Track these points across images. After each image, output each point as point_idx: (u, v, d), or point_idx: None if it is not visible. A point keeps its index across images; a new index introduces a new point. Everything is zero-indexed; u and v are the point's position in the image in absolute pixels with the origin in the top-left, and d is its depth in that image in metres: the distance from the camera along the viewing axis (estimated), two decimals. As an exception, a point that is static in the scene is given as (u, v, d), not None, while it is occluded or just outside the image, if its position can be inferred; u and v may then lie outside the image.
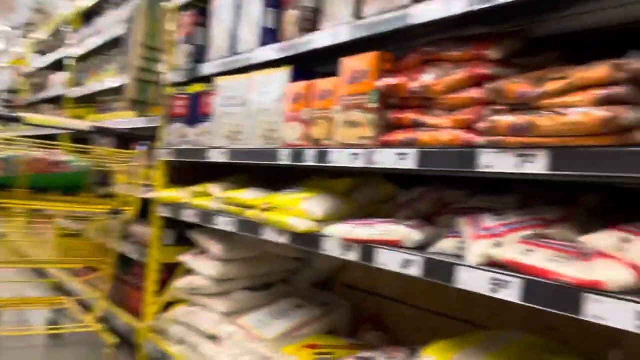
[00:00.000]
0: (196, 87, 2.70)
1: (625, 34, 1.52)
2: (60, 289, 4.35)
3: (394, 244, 1.60)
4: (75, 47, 4.79)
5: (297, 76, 2.10)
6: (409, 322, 2.45)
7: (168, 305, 2.95)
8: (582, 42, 1.57)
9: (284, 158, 2.01)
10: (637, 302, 1.02)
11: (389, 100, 1.66)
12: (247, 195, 2.25)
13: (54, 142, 3.09)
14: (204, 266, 2.60)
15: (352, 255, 1.69)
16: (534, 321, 1.91)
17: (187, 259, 2.73)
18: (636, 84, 1.09)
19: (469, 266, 1.35)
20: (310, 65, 2.22)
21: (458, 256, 1.47)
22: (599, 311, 1.07)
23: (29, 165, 2.47)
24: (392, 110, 1.65)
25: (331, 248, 1.77)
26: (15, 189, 2.52)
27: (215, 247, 2.56)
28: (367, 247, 1.64)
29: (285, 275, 2.84)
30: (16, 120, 2.37)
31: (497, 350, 1.59)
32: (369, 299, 2.65)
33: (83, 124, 2.59)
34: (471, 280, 1.34)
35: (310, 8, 2.06)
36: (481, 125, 1.33)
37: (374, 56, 1.68)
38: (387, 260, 1.57)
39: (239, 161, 2.29)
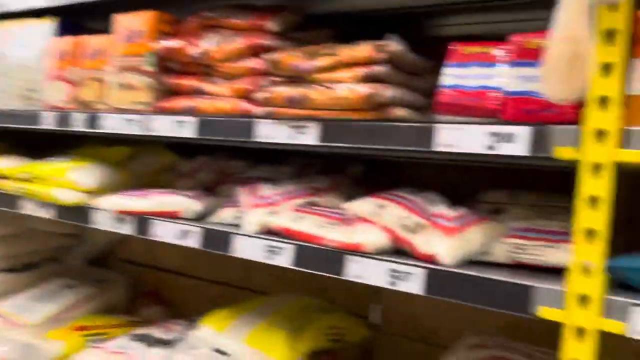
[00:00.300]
0: None
1: (391, 18, 1.67)
2: None
3: (172, 216, 1.55)
4: None
5: (64, 30, 1.87)
6: (190, 293, 2.42)
7: None
8: (354, 22, 1.68)
9: (48, 122, 1.78)
10: (391, 262, 1.15)
11: (168, 64, 1.58)
12: (1, 164, 1.95)
13: None
14: (-54, 247, 2.20)
15: (127, 229, 1.59)
16: (309, 283, 2.04)
17: None
18: (393, 64, 1.20)
19: (245, 235, 1.37)
20: (80, 20, 1.99)
21: (236, 225, 1.47)
22: (359, 271, 1.18)
23: None
24: (171, 75, 1.57)
25: (103, 221, 1.64)
26: None
27: (-39, 225, 2.19)
28: (143, 220, 1.56)
29: (54, 254, 2.56)
30: None
31: (273, 314, 1.66)
32: (148, 273, 2.55)
33: None
34: (247, 248, 1.36)
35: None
36: (259, 95, 1.34)
37: (152, 16, 1.57)
38: (164, 233, 1.51)
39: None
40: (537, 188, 1.38)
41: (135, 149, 1.97)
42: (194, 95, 1.52)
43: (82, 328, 1.97)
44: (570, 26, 0.83)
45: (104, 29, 1.71)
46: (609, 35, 0.94)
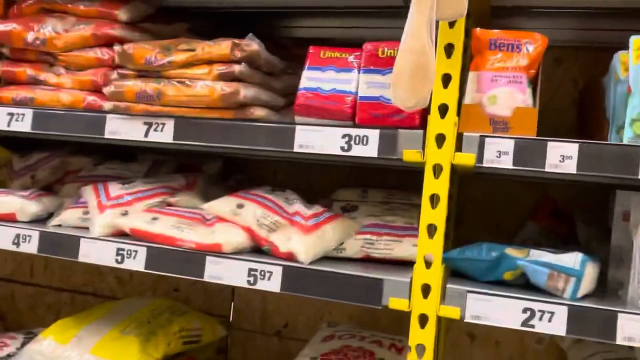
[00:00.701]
0: None
1: (245, 16, 1.67)
2: None
3: (6, 218, 1.39)
4: None
5: None
6: (26, 303, 2.20)
7: None
8: (207, 18, 1.65)
9: None
10: (250, 261, 1.15)
11: (0, 50, 1.41)
12: None
13: None
14: None
15: (-53, 234, 1.39)
16: (162, 285, 1.97)
17: None
18: (251, 63, 1.20)
19: (94, 238, 1.28)
20: None
21: (84, 228, 1.37)
22: (218, 272, 1.17)
23: None
24: (4, 62, 1.41)
25: None
26: None
27: None
28: (-31, 223, 1.38)
29: None
30: None
31: (124, 320, 1.57)
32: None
33: None
34: (96, 252, 1.27)
35: None
36: (108, 89, 1.25)
37: (-22, -7, 1.39)
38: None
39: None
40: (387, 185, 1.48)
41: (-44, 143, 1.73)
42: (31, 85, 1.38)
43: None
44: (415, 38, 0.90)
45: None
46: (449, 49, 1.04)
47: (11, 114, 1.33)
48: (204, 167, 1.73)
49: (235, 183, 1.71)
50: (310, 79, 1.16)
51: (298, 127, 1.12)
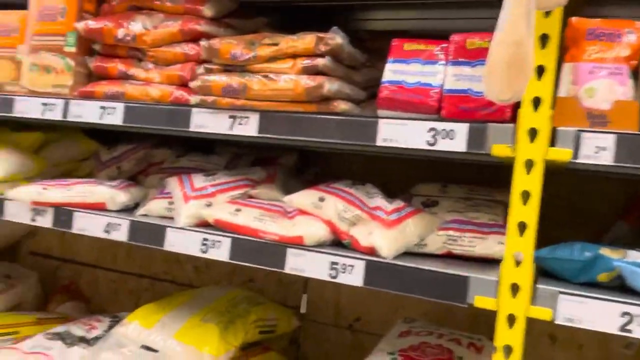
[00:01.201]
0: None
1: (324, 9, 1.67)
2: None
3: (96, 207, 1.46)
4: None
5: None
6: (109, 287, 2.31)
7: None
8: (286, 12, 1.66)
9: (-50, 104, 1.62)
10: (332, 254, 1.15)
11: (92, 46, 1.48)
12: None
13: None
14: None
15: (44, 221, 1.48)
16: (238, 275, 2.01)
17: None
18: (336, 57, 1.20)
19: (179, 228, 1.32)
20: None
21: (169, 218, 1.42)
22: (300, 264, 1.18)
23: None
24: (96, 58, 1.47)
25: (17, 213, 1.52)
26: None
27: None
28: (63, 212, 1.46)
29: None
30: None
31: (203, 308, 1.62)
32: (63, 267, 2.40)
33: None
34: (181, 242, 1.31)
35: None
36: (195, 84, 1.29)
37: (74, -7, 1.46)
38: (88, 225, 1.42)
39: None
40: (468, 180, 1.44)
41: (50, 135, 1.84)
42: (121, 80, 1.44)
43: (-12, 327, 1.82)
44: (513, 29, 0.86)
45: (19, 4, 1.57)
46: (543, 40, 1.00)
47: (103, 108, 1.40)
48: (280, 159, 1.75)
49: (312, 176, 1.72)
50: (395, 72, 1.15)
51: (382, 121, 1.11)
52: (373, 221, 1.20)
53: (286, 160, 1.74)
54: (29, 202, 1.47)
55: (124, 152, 1.82)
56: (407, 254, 1.21)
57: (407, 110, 1.13)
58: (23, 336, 1.75)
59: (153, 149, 1.83)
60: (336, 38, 1.17)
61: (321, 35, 1.18)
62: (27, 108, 1.50)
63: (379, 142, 1.11)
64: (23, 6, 1.57)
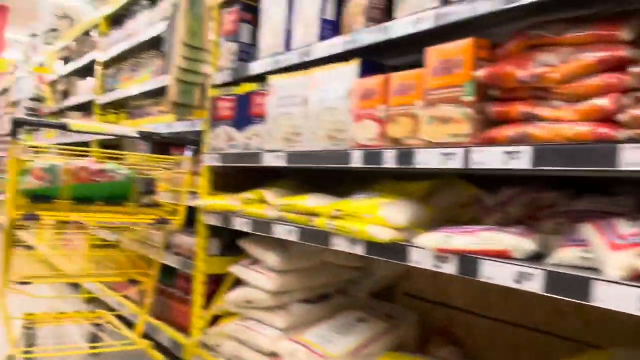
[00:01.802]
0: (245, 88, 2.53)
1: None
2: (95, 302, 4.22)
3: (500, 255, 1.42)
4: (103, 52, 4.66)
5: (365, 70, 1.92)
6: (484, 335, 2.26)
7: (215, 319, 2.79)
8: None
9: (357, 160, 1.83)
10: None
11: (489, 92, 1.48)
12: (311, 202, 2.07)
13: (87, 150, 2.95)
14: (259, 278, 2.42)
15: (448, 268, 1.51)
16: (645, 336, 1.72)
17: (238, 270, 2.56)
18: None
19: (611, 281, 1.16)
20: (378, 59, 2.04)
21: (586, 269, 1.28)
22: None
23: (73, 175, 2.32)
24: (494, 103, 1.46)
25: (421, 260, 1.59)
26: (58, 200, 2.37)
27: (271, 258, 2.39)
28: (468, 259, 1.46)
29: (342, 286, 2.66)
30: (63, 127, 2.22)
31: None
32: (436, 310, 2.46)
33: (129, 130, 2.44)
34: (614, 297, 1.15)
35: (381, -4, 1.89)
36: (622, 117, 1.13)
37: (470, 43, 1.50)
38: (495, 274, 1.38)
39: (297, 165, 2.12)
40: None
41: (435, 183, 1.92)
42: (524, 122, 1.38)
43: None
44: None
45: (400, 66, 1.70)
46: None
47: (508, 153, 1.36)
48: None
49: None
50: None
51: None
52: None
53: None
54: (434, 249, 1.52)
55: (509, 197, 1.77)
56: None
57: None
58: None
59: (540, 192, 1.73)
60: None
61: None
62: (427, 159, 1.58)
63: None
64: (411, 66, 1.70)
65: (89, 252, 3.53)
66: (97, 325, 3.28)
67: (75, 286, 4.66)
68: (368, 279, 2.65)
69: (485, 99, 1.48)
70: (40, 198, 2.33)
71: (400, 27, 1.73)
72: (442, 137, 1.55)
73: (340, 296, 2.62)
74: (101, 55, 4.63)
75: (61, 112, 5.89)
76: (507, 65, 1.41)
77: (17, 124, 2.17)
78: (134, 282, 3.54)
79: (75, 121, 2.51)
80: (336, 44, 2.02)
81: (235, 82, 2.65)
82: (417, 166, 1.61)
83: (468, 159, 1.46)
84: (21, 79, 7.71)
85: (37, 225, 3.06)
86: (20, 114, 7.18)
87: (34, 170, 2.34)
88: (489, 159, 1.41)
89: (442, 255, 1.52)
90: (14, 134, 2.17)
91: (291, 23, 2.29)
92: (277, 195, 2.34)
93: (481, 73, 1.44)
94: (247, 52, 2.65)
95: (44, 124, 2.82)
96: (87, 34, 5.24)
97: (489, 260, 1.41)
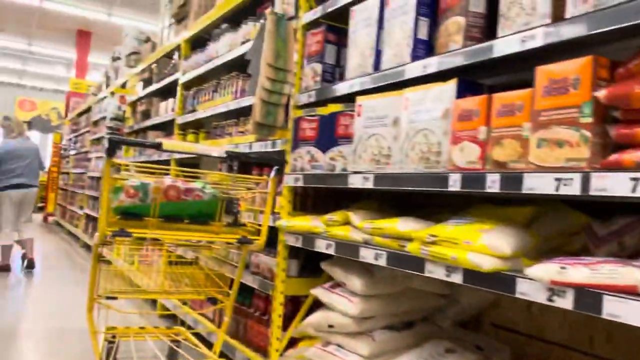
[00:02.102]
0: (330, 108, 2.51)
1: None
2: (171, 319, 4.29)
3: (625, 290, 1.30)
4: (184, 73, 4.81)
5: (462, 91, 1.85)
6: (587, 374, 2.10)
7: (292, 341, 2.75)
8: None
9: (454, 184, 1.75)
10: None
11: (609, 113, 1.38)
12: (403, 226, 2.00)
13: (167, 167, 3.02)
14: (341, 302, 2.37)
15: (563, 303, 1.39)
16: None
17: (321, 293, 2.51)
18: None
19: None
20: (475, 78, 1.96)
21: None
22: None
23: (163, 193, 2.36)
24: (616, 125, 1.36)
25: (530, 292, 1.48)
26: (147, 217, 2.42)
27: (355, 282, 2.33)
28: (587, 293, 1.34)
29: (427, 313, 2.56)
30: (157, 146, 2.27)
31: None
32: (530, 344, 2.32)
33: (217, 150, 2.47)
34: None
35: (481, 14, 1.82)
36: None
37: (587, 61, 1.40)
38: (625, 312, 1.26)
39: (386, 187, 2.06)
40: None
41: (539, 209, 1.81)
42: (654, 146, 1.27)
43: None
44: None
45: (500, 85, 1.62)
46: None
47: (635, 179, 1.25)
48: None
49: None
50: None
51: None
52: None
53: None
54: (547, 281, 1.41)
55: (623, 226, 1.64)
56: None
57: None
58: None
59: (660, 222, 1.59)
60: None
61: None
62: (538, 184, 1.48)
63: None
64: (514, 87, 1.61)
65: (166, 269, 3.59)
66: (175, 341, 3.31)
67: (153, 302, 4.77)
68: (453, 307, 2.53)
69: (605, 121, 1.38)
70: (130, 215, 2.39)
71: (506, 45, 1.65)
72: (555, 161, 1.46)
73: (424, 324, 2.52)
74: (182, 77, 4.79)
75: (141, 131, 6.12)
76: (632, 84, 1.30)
77: (113, 143, 2.24)
78: (211, 300, 3.57)
79: (167, 140, 2.57)
80: (431, 64, 1.96)
81: (319, 103, 2.64)
82: (526, 191, 1.51)
83: (587, 184, 1.36)
84: (104, 99, 8.12)
85: (117, 240, 3.14)
86: (102, 132, 7.53)
87: (126, 187, 2.40)
88: (613, 185, 1.30)
89: (555, 287, 1.41)
90: (109, 153, 2.23)
91: (381, 43, 2.26)
92: (362, 217, 2.29)
93: (602, 93, 1.34)
94: (331, 73, 2.64)
95: (138, 143, 2.90)
96: (168, 56, 5.44)
97: (613, 296, 1.29)
